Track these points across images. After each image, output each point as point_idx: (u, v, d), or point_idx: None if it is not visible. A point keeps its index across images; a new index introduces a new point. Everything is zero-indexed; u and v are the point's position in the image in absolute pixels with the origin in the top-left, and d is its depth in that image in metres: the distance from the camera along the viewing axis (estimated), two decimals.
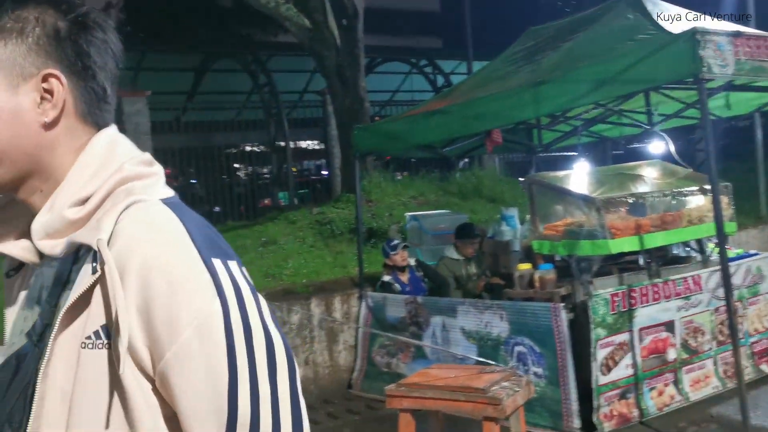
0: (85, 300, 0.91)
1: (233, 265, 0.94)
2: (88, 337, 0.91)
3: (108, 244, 0.90)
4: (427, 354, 5.84)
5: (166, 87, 14.83)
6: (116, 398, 0.90)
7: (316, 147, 17.24)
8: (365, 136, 6.69)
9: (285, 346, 0.94)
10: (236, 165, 16.49)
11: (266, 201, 15.34)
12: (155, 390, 0.91)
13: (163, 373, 0.89)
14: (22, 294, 1.03)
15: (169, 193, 1.01)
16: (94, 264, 0.90)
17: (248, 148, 16.34)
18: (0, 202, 1.05)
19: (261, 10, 10.19)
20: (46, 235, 0.96)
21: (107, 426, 0.89)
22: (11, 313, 1.04)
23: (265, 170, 16.74)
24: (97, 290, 0.91)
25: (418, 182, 11.15)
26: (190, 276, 0.89)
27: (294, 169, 16.43)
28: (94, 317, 0.91)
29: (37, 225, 0.96)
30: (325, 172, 16.49)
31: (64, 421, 0.91)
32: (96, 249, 0.90)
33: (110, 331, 0.89)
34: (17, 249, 1.00)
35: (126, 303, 0.88)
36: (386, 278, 6.38)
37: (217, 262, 0.92)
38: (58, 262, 0.97)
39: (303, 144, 17.54)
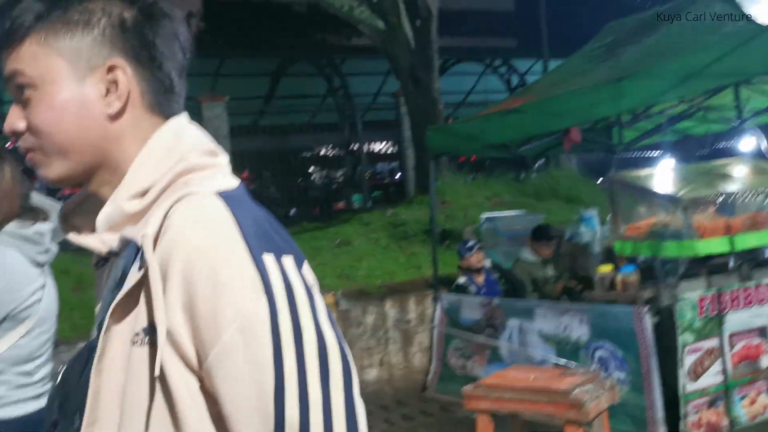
0: (134, 296, 0.90)
1: (288, 261, 0.89)
2: (137, 334, 0.89)
3: (157, 239, 0.88)
4: (504, 357, 5.73)
5: (243, 92, 15.20)
6: (160, 397, 0.88)
7: (390, 149, 17.30)
8: (439, 136, 6.64)
9: (341, 350, 0.88)
10: (311, 168, 16.74)
11: (340, 203, 15.50)
12: (203, 388, 0.88)
13: (207, 373, 0.86)
14: (104, 286, 1.03)
15: (231, 184, 0.96)
16: (142, 260, 0.88)
17: (323, 151, 16.55)
18: (81, 195, 1.05)
19: (336, 14, 10.30)
20: (108, 227, 0.95)
21: (147, 426, 0.88)
22: (97, 305, 1.05)
23: (339, 173, 16.93)
24: (145, 287, 0.88)
25: (492, 183, 11.01)
26: (235, 273, 0.85)
27: (367, 174, 16.55)
28: (142, 314, 0.90)
29: (101, 217, 0.95)
30: (398, 175, 16.51)
31: (117, 416, 0.90)
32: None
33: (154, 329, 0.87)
34: (95, 241, 0.98)
35: (169, 301, 0.86)
36: (461, 280, 6.31)
37: (268, 259, 0.87)
38: (126, 255, 0.95)
39: (377, 146, 17.63)
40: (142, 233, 0.88)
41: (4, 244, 2.04)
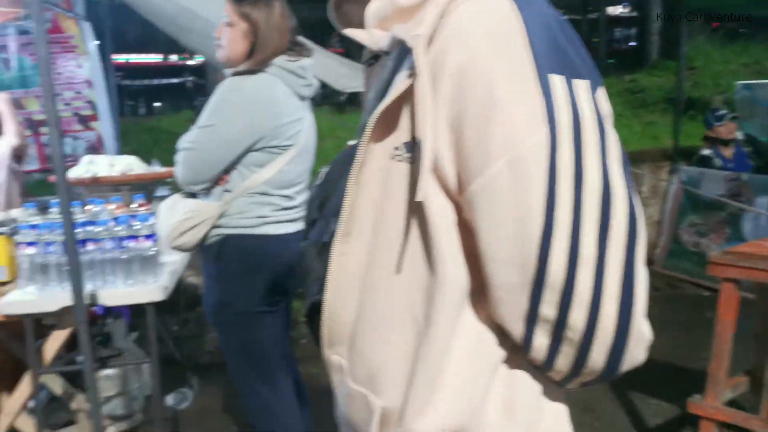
0: (399, 105, 0.79)
1: (581, 86, 0.73)
2: (397, 148, 0.80)
3: (430, 43, 0.76)
4: (746, 236, 5.27)
5: None
6: (414, 221, 0.79)
7: (629, 12, 15.89)
8: None
9: (629, 202, 0.72)
10: None
11: None
12: (461, 218, 0.78)
13: (467, 203, 0.75)
14: (372, 88, 0.92)
15: None
16: (412, 66, 0.76)
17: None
18: None
19: None
20: (378, 22, 0.83)
21: (402, 250, 0.81)
22: (364, 107, 0.97)
23: None
24: (413, 96, 0.77)
25: (753, 49, 9.68)
26: (515, 91, 0.71)
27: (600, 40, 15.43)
28: (405, 126, 0.79)
29: (371, 9, 0.84)
30: (632, 42, 15.20)
31: (370, 233, 0.84)
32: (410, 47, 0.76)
33: (417, 145, 0.77)
34: (365, 35, 0.86)
35: (436, 115, 0.75)
36: (706, 152, 5.80)
37: (555, 80, 0.72)
38: (395, 56, 0.83)
39: (616, 10, 16.28)
40: (415, 33, 0.75)
41: (274, 76, 2.20)
